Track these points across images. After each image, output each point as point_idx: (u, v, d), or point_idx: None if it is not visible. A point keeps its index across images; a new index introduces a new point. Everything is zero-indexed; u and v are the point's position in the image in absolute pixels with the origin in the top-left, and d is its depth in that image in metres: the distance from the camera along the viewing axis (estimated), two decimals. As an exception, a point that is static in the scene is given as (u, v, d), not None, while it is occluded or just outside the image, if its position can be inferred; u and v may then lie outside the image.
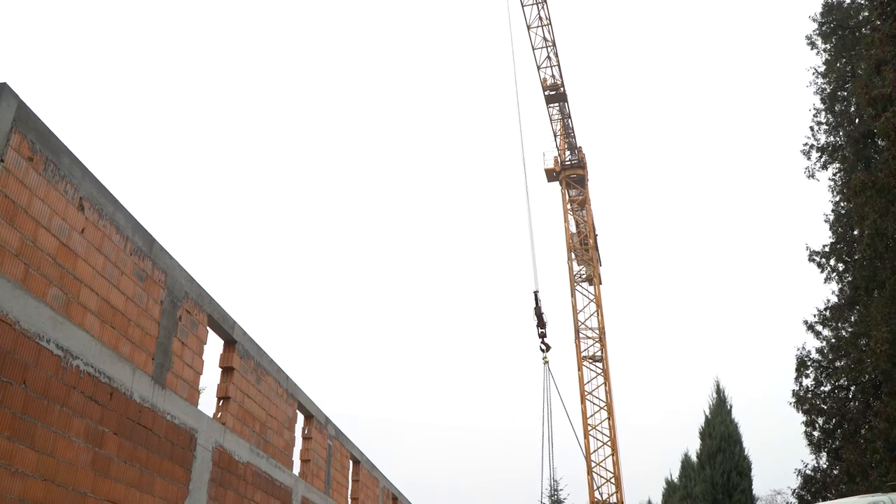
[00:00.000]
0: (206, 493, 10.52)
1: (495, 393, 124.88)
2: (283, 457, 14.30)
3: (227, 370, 12.20)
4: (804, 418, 19.59)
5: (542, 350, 34.02)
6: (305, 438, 16.46)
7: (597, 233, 39.62)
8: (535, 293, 33.95)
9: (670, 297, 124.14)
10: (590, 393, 34.72)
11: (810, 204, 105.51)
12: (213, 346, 12.30)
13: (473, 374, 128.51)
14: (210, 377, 12.42)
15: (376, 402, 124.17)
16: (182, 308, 10.35)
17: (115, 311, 8.65)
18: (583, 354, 35.37)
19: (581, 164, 40.07)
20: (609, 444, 33.77)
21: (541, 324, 33.73)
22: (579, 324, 35.96)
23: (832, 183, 21.29)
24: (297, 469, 15.57)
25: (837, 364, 19.66)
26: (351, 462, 20.37)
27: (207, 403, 13.12)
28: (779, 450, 59.31)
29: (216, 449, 10.97)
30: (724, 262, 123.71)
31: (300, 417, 16.02)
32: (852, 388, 18.94)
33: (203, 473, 10.46)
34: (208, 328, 11.32)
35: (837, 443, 18.42)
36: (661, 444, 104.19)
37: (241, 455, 11.99)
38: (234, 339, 12.25)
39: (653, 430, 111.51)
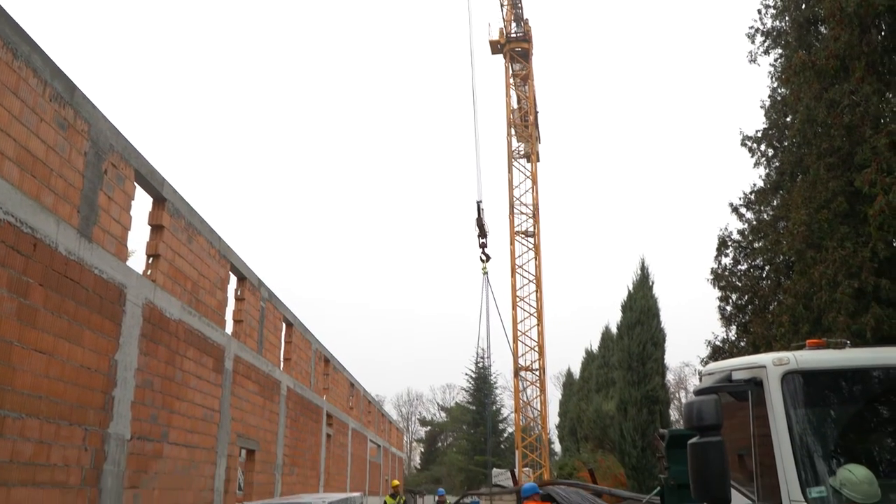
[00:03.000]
0: (136, 348, 10.55)
1: (431, 280, 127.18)
2: (216, 316, 14.38)
3: (156, 228, 11.98)
4: (719, 294, 20.66)
5: (483, 261, 34.45)
6: (238, 299, 16.54)
7: (537, 110, 39.41)
8: (478, 203, 33.99)
9: (605, 177, 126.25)
10: (520, 267, 35.65)
11: (750, 91, 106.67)
12: (145, 203, 12.01)
13: (410, 261, 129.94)
14: (142, 238, 12.22)
15: (318, 283, 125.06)
16: (107, 161, 9.97)
17: (36, 159, 8.28)
18: (516, 229, 35.99)
19: (526, 38, 39.28)
20: (535, 315, 35.08)
21: (482, 234, 33.97)
22: (514, 199, 36.36)
23: (772, 69, 21.48)
24: (229, 329, 15.72)
25: (756, 245, 20.57)
26: (284, 324, 20.67)
27: (139, 263, 12.91)
28: (690, 325, 62.70)
29: (146, 305, 10.93)
30: (660, 145, 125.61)
31: (233, 279, 16.02)
32: (767, 267, 19.93)
33: (133, 329, 10.45)
34: (136, 184, 11.00)
35: (747, 317, 19.58)
36: (586, 318, 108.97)
37: (173, 312, 11.99)
38: (163, 197, 11.95)
39: (578, 305, 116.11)
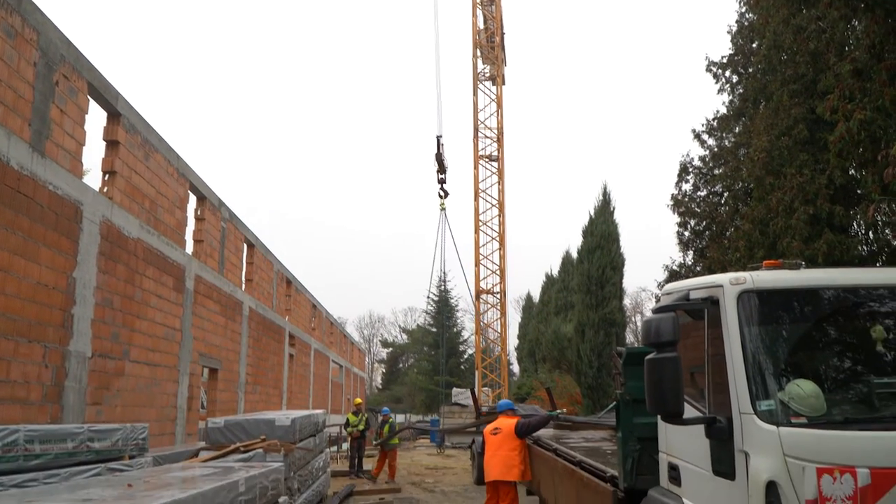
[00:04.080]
0: (95, 266, 10.41)
1: (393, 202, 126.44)
2: (176, 235, 14.20)
3: (112, 144, 11.67)
4: (678, 220, 20.95)
5: (441, 196, 34.12)
6: (198, 219, 16.33)
7: (504, 31, 38.62)
8: (438, 138, 33.39)
9: (569, 102, 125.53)
10: (483, 191, 35.59)
11: (717, 16, 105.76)
12: (100, 119, 11.63)
13: (373, 183, 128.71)
14: (98, 155, 11.85)
15: (281, 203, 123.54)
16: (59, 72, 9.59)
17: (-18, 68, 7.93)
18: (480, 153, 35.78)
19: (493, -46, 38.11)
20: (497, 239, 35.27)
21: (441, 169, 33.50)
22: (479, 123, 35.99)
23: (742, -8, 21.24)
24: (190, 249, 15.56)
25: (716, 172, 20.78)
26: (245, 245, 20.52)
27: (95, 181, 12.55)
28: (649, 253, 63.72)
29: (104, 223, 10.72)
30: (625, 70, 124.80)
31: (192, 198, 15.76)
32: (725, 194, 20.19)
33: (91, 246, 10.28)
34: (89, 97, 10.65)
35: (704, 243, 19.94)
36: (547, 244, 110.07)
37: (131, 231, 11.80)
38: (118, 112, 11.60)
39: (540, 231, 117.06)
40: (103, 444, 7.48)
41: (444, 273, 59.12)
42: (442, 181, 33.75)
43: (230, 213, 18.33)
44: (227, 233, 18.02)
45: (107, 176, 11.57)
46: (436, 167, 33.48)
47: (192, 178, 15.27)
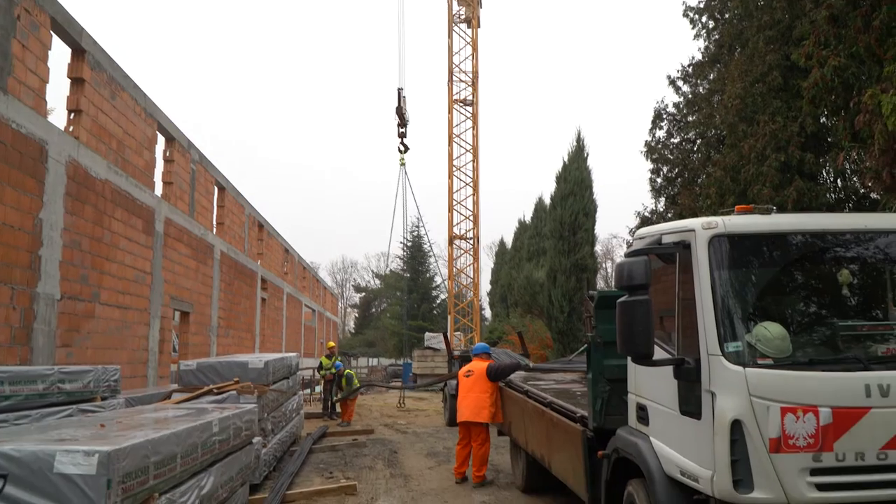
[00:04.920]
0: (62, 207, 10.21)
1: (367, 148, 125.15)
2: (144, 177, 13.95)
3: (77, 82, 11.34)
4: (651, 166, 21.04)
5: (401, 151, 33.61)
6: (167, 161, 16.03)
7: (479, -30, 37.82)
8: (399, 91, 32.69)
9: (546, 46, 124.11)
10: (458, 136, 35.29)
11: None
12: (64, 56, 11.27)
13: (344, 127, 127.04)
14: (63, 94, 11.51)
15: (252, 139, 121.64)
16: (20, 6, 9.24)
17: (-63, -2, 7.60)
18: (454, 98, 35.35)
19: None
20: (471, 185, 35.15)
21: (402, 123, 32.89)
22: (454, 66, 35.48)
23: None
24: (159, 191, 15.31)
25: (690, 119, 20.80)
26: (216, 188, 20.23)
27: (61, 121, 12.24)
28: (621, 201, 64.15)
29: (70, 163, 10.49)
30: (604, 14, 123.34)
31: (161, 139, 15.44)
32: (698, 141, 20.27)
33: (57, 187, 10.06)
34: (52, 32, 10.29)
35: (676, 190, 20.07)
36: (520, 190, 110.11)
37: (98, 171, 11.56)
38: (82, 48, 11.25)
39: (514, 177, 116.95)
40: (74, 385, 7.45)
41: (419, 218, 59.17)
42: (402, 135, 33.33)
43: (200, 154, 18.02)
44: (196, 175, 17.73)
45: (72, 115, 11.27)
46: (396, 121, 33.00)
47: (161, 118, 14.93)
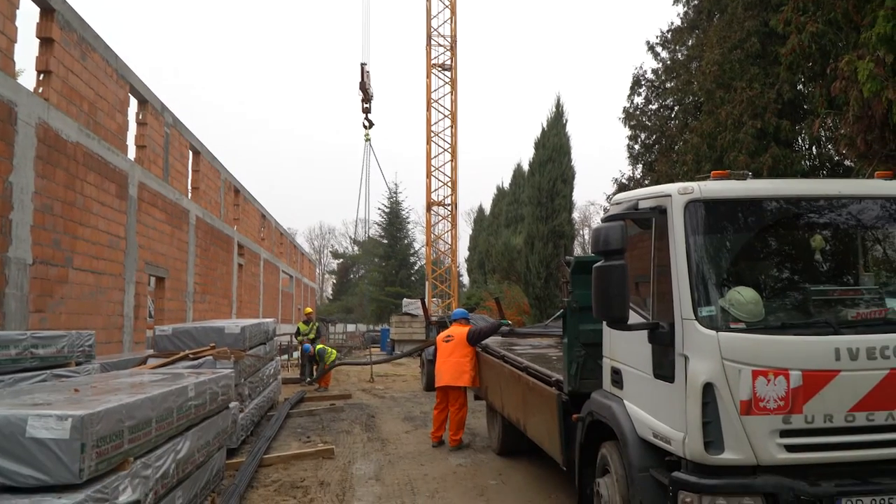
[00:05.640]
0: (32, 170, 10.02)
1: (343, 113, 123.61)
2: (117, 141, 13.71)
3: (46, 41, 11.06)
4: (629, 133, 21.05)
5: (365, 127, 33.23)
6: (140, 124, 15.75)
7: (458, -68, 37.19)
8: (363, 66, 32.19)
9: (525, 11, 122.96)
10: (436, 101, 34.98)
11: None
12: (33, 15, 10.96)
13: (324, 93, 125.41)
14: (32, 56, 11.20)
15: (229, 101, 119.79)
16: (-18, -39, 8.93)
17: None
18: (433, 62, 34.96)
19: None
20: (449, 150, 34.97)
21: (366, 98, 32.43)
22: (432, 30, 35.04)
23: None
24: (132, 155, 15.06)
25: (668, 85, 20.78)
26: (191, 152, 19.95)
27: (31, 83, 11.93)
28: (599, 169, 64.24)
29: (40, 125, 10.26)
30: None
31: (134, 102, 15.15)
32: (676, 107, 20.29)
33: (27, 150, 9.86)
34: (18, -11, 9.97)
35: (653, 156, 20.13)
36: (499, 156, 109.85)
37: (70, 134, 11.33)
38: (52, 7, 10.95)
39: (492, 144, 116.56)
40: (48, 350, 7.38)
41: (396, 185, 58.94)
42: (367, 111, 32.98)
43: (174, 118, 17.72)
44: (171, 139, 17.46)
45: (42, 76, 11.00)
46: (360, 96, 32.59)
47: (133, 80, 14.64)
